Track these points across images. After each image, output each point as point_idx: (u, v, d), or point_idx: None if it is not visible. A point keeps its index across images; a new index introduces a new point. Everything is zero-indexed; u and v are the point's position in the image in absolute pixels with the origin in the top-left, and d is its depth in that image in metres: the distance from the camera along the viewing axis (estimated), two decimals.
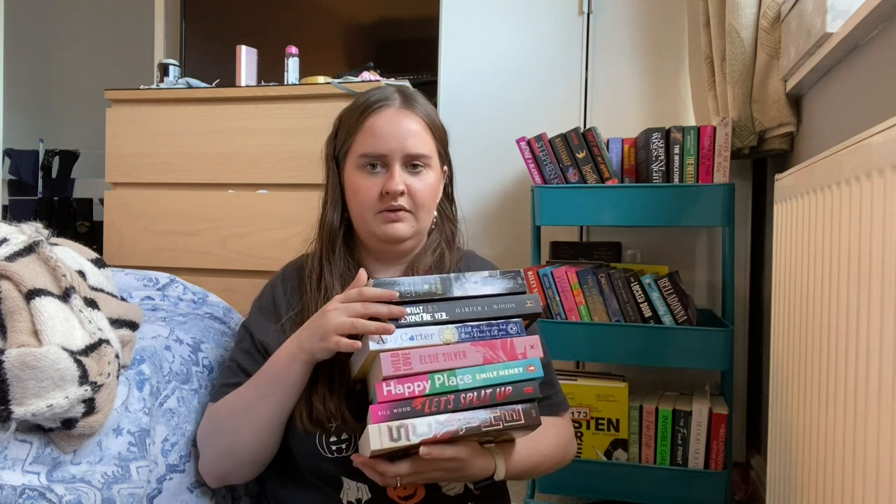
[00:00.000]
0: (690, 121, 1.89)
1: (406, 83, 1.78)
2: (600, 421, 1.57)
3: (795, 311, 1.03)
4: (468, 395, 0.77)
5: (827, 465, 0.84)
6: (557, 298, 1.57)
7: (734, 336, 1.56)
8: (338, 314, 0.81)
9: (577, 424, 1.58)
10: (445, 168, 1.02)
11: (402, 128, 0.93)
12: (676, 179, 1.56)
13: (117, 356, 0.81)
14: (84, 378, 0.73)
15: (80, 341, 0.76)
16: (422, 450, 0.75)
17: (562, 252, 1.86)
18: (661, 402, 1.57)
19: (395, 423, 0.74)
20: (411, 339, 0.78)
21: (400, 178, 0.92)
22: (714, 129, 1.54)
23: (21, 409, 0.69)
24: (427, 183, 0.95)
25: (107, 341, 0.79)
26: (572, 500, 1.74)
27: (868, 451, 0.71)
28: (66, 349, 0.73)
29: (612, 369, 1.77)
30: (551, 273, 1.57)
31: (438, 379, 0.77)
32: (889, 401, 0.66)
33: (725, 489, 1.51)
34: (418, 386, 0.77)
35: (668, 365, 1.53)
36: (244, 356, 0.95)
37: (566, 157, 1.63)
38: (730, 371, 1.53)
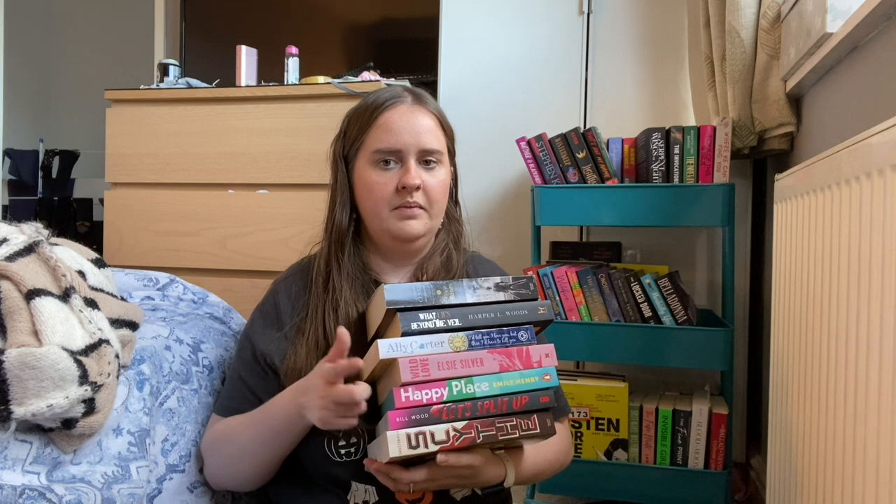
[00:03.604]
0: (690, 121, 1.89)
1: (406, 83, 1.78)
2: (600, 421, 1.57)
3: (795, 311, 1.03)
4: (485, 402, 0.77)
5: (827, 465, 0.84)
6: (557, 298, 1.57)
7: (734, 336, 1.55)
8: (339, 421, 0.78)
9: (577, 424, 1.58)
10: (452, 167, 1.01)
11: (416, 123, 0.92)
12: (676, 179, 1.56)
13: (117, 356, 0.81)
14: (84, 378, 0.73)
15: (80, 341, 0.76)
16: (439, 457, 0.75)
17: (562, 252, 1.86)
18: (661, 402, 1.57)
19: (413, 431, 0.74)
20: (421, 346, 0.78)
21: (416, 173, 0.91)
22: (714, 129, 1.54)
23: (21, 409, 0.69)
24: (440, 179, 0.94)
25: (107, 341, 0.79)
26: (572, 500, 1.74)
27: (868, 451, 0.71)
28: (66, 349, 0.73)
29: (612, 369, 1.76)
30: (551, 273, 1.57)
31: (456, 386, 0.77)
32: (889, 401, 0.66)
33: (725, 489, 1.51)
34: (436, 393, 0.76)
35: (668, 365, 1.53)
36: (247, 369, 0.95)
37: (566, 157, 1.63)
38: (730, 371, 1.53)
